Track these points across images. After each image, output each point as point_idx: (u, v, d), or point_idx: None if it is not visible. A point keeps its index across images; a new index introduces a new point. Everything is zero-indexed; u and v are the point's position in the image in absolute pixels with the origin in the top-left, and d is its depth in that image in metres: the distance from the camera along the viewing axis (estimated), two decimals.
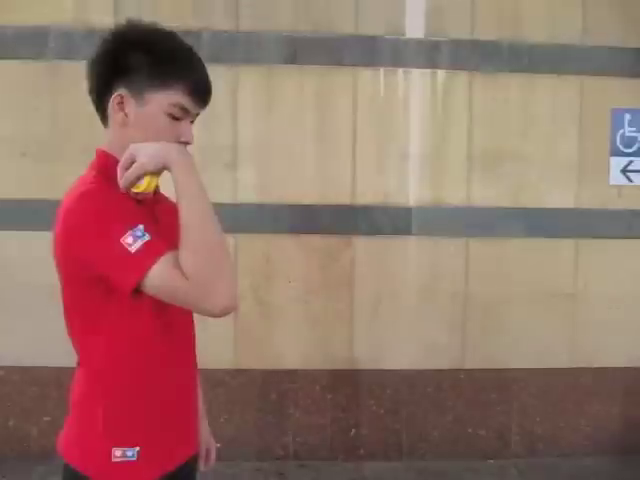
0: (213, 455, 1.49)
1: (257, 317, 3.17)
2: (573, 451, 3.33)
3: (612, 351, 3.33)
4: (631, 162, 3.29)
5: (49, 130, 3.07)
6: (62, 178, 2.94)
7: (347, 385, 3.22)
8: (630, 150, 3.29)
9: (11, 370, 3.11)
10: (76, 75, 3.00)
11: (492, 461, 3.27)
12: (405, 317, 3.23)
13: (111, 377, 1.16)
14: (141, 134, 1.15)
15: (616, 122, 3.27)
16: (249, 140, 3.15)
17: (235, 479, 3.02)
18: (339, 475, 3.10)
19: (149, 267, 1.02)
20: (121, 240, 1.02)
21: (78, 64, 2.95)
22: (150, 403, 1.19)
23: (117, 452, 1.16)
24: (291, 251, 3.17)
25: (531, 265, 3.27)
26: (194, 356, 1.34)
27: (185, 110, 1.17)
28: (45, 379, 3.07)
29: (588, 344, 3.32)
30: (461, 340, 3.28)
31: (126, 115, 1.15)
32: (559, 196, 3.28)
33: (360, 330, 3.24)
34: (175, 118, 1.16)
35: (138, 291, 1.05)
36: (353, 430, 3.26)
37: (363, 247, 3.21)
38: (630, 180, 3.30)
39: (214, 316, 1.04)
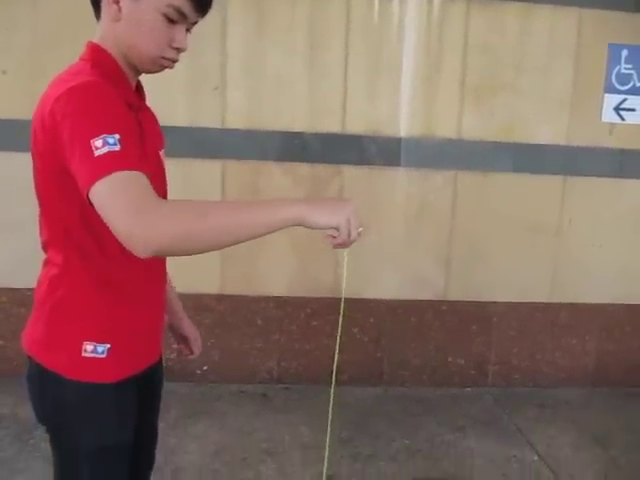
0: (199, 341, 1.56)
1: (243, 244, 3.17)
2: (548, 382, 3.45)
3: (591, 288, 3.40)
4: (625, 100, 3.25)
5: (30, 45, 2.95)
6: None
7: (331, 313, 3.26)
8: (625, 88, 3.24)
9: None
10: None
11: (469, 389, 3.39)
12: (391, 248, 3.25)
13: (99, 266, 1.13)
14: (132, 31, 1.10)
15: (612, 58, 3.21)
16: (238, 64, 3.06)
17: (219, 400, 3.10)
18: (321, 398, 3.18)
19: (102, 175, 0.93)
20: (90, 141, 0.95)
21: None
22: (127, 302, 1.19)
23: (88, 347, 1.14)
24: (279, 179, 3.15)
25: (517, 200, 3.27)
26: (165, 271, 1.34)
27: (182, 14, 1.11)
28: (33, 300, 3.08)
29: (568, 280, 3.39)
30: (445, 272, 3.32)
31: (119, 9, 1.09)
32: (550, 132, 3.25)
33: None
34: (170, 20, 1.10)
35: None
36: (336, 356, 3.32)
37: (352, 176, 3.18)
38: (623, 118, 3.27)
39: (132, 249, 0.94)
